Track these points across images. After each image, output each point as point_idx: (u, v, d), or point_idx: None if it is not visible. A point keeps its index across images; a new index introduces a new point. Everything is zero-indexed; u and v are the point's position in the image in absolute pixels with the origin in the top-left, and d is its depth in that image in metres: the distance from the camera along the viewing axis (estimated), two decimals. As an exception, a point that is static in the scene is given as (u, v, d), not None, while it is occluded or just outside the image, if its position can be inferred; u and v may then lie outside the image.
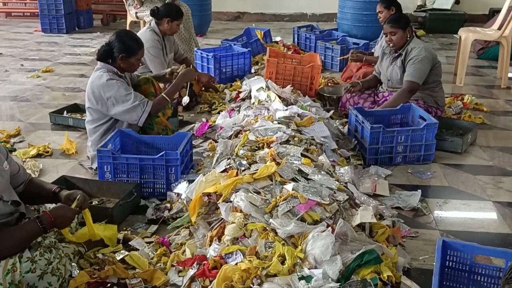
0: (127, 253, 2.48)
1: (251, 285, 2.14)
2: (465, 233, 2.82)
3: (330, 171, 3.09)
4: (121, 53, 3.39)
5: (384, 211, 2.97)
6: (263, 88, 4.39)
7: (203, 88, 5.18)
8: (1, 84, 5.89)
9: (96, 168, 3.33)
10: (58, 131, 4.34)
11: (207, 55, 5.59)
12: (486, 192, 3.32)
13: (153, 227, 2.86)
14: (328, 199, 2.60)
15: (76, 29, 9.36)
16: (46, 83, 5.93)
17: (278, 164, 2.83)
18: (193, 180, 2.97)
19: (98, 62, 3.46)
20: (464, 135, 4.00)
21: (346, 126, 4.18)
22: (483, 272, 2.16)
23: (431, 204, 3.16)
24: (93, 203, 2.99)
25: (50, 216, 2.25)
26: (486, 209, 3.13)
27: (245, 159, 3.01)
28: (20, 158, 3.71)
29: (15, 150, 3.88)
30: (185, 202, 2.95)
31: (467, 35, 5.82)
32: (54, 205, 2.49)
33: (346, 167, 3.28)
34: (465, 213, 3.09)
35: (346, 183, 3.05)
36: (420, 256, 2.62)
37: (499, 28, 5.84)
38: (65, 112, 4.56)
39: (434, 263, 2.06)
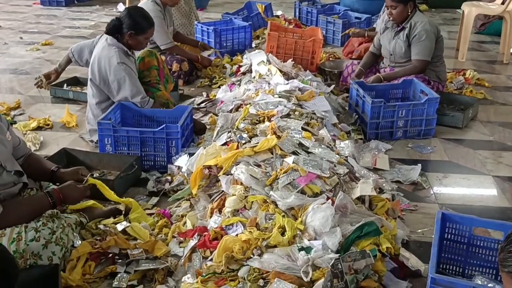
0: (128, 224, 2.50)
1: (251, 256, 2.16)
2: (464, 207, 2.83)
3: (330, 145, 3.09)
4: (130, 29, 3.37)
5: (384, 184, 2.98)
6: (264, 62, 4.37)
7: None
8: (1, 57, 5.86)
9: (97, 141, 3.34)
10: (58, 104, 4.34)
11: (208, 29, 5.54)
12: (486, 167, 3.33)
13: (154, 199, 2.88)
14: (328, 172, 2.60)
15: (75, 2, 9.27)
16: (45, 56, 5.89)
17: (278, 137, 2.84)
18: (193, 153, 2.98)
19: (109, 37, 3.43)
20: (465, 110, 3.99)
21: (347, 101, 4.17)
22: (481, 245, 2.17)
23: (431, 178, 3.17)
24: (94, 176, 3.00)
25: (59, 193, 2.28)
26: (485, 184, 3.14)
27: (246, 132, 3.01)
28: (21, 130, 3.72)
29: (15, 122, 3.88)
30: (185, 175, 2.96)
31: (470, 10, 5.76)
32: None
33: (347, 141, 3.29)
34: (465, 187, 3.11)
35: (346, 157, 3.06)
36: (419, 229, 2.64)
37: (503, 3, 5.77)
38: (65, 85, 4.54)
39: (433, 236, 2.08)
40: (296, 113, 3.35)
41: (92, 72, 3.42)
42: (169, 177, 3.07)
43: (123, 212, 2.63)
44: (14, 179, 2.29)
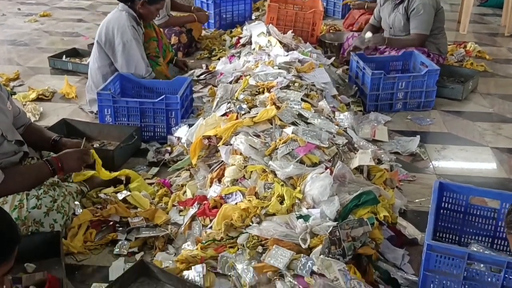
0: (129, 193, 2.52)
1: (250, 224, 2.19)
2: (462, 177, 2.85)
3: (330, 116, 3.10)
4: None
5: (382, 155, 2.99)
6: (264, 33, 4.34)
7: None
8: (-1, 28, 5.83)
9: (97, 112, 3.34)
10: (57, 75, 4.33)
11: (207, 0, 5.48)
12: (484, 138, 3.34)
13: (154, 170, 2.90)
14: (327, 142, 2.61)
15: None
16: (44, 27, 5.85)
17: (278, 108, 2.84)
18: (193, 124, 2.98)
19: (120, 4, 3.46)
20: (465, 82, 3.98)
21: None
22: (478, 213, 2.20)
23: (430, 149, 3.19)
24: (94, 146, 3.02)
25: (58, 160, 2.29)
26: (484, 155, 3.16)
27: (245, 103, 3.01)
28: (20, 101, 3.72)
29: (15, 93, 3.87)
30: (185, 145, 2.97)
31: (473, -19, 5.70)
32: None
33: (346, 113, 3.29)
34: (463, 158, 3.13)
35: (345, 128, 3.07)
36: (416, 199, 2.67)
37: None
38: (64, 56, 4.52)
39: (430, 205, 2.10)
40: (296, 84, 3.34)
41: (99, 34, 3.46)
42: (168, 148, 3.08)
43: (124, 182, 2.65)
44: (15, 148, 2.30)
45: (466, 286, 1.86)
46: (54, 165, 2.27)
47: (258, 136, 2.66)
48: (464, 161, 3.09)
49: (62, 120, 3.17)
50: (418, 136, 3.24)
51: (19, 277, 1.94)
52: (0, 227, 1.34)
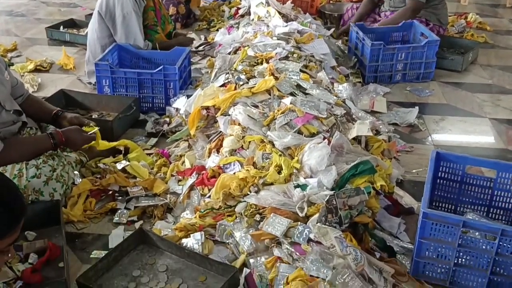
0: (127, 163, 2.53)
1: (248, 193, 2.20)
2: (460, 148, 2.86)
3: (328, 87, 3.09)
4: None
5: (380, 126, 3.00)
6: (263, 4, 4.29)
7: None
8: (-5, -1, 5.76)
9: (95, 83, 3.34)
10: (55, 46, 4.30)
11: (206, -30, 5.41)
12: (483, 110, 3.34)
13: (153, 140, 2.91)
14: (325, 113, 2.61)
15: None
16: (40, -2, 5.80)
17: (276, 78, 2.83)
18: (191, 95, 2.98)
19: None
20: (465, 53, 3.96)
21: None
22: (474, 183, 2.22)
23: (428, 120, 3.19)
24: (93, 117, 3.02)
25: (62, 136, 2.29)
26: (482, 126, 3.16)
27: (244, 73, 3.00)
28: (18, 72, 3.70)
29: (12, 64, 3.86)
30: (183, 116, 2.97)
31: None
32: None
33: (345, 84, 3.29)
34: (461, 129, 3.13)
35: (344, 99, 3.06)
36: (414, 169, 2.68)
37: None
38: (61, 27, 4.48)
39: (427, 174, 2.11)
40: (295, 55, 3.32)
41: (100, 4, 3.45)
42: (167, 119, 3.08)
43: (123, 152, 2.66)
44: (13, 118, 2.31)
45: (461, 254, 1.89)
46: (56, 140, 2.27)
47: (256, 106, 2.66)
48: (462, 132, 3.10)
49: (60, 91, 3.16)
50: (417, 107, 3.23)
51: (19, 244, 1.97)
52: (7, 198, 1.35)
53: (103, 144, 2.55)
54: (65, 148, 2.48)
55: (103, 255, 1.97)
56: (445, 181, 2.25)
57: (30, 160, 2.20)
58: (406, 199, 2.37)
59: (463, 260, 1.90)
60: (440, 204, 2.29)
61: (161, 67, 3.14)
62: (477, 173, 2.28)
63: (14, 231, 1.35)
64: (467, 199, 2.25)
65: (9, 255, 1.40)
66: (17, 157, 2.16)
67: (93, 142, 2.51)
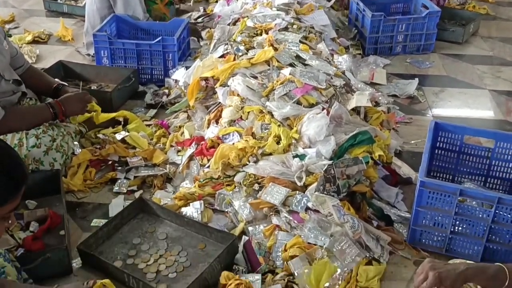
0: (127, 133, 2.54)
1: (247, 163, 2.21)
2: (459, 119, 2.86)
3: (328, 59, 3.07)
4: None
5: (380, 98, 3.00)
6: (262, -26, 4.23)
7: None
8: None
9: (93, 54, 3.32)
10: (53, 18, 4.27)
11: None
12: (483, 81, 3.33)
13: (152, 112, 2.91)
14: (324, 84, 2.60)
15: None
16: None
17: (275, 49, 2.81)
18: (190, 67, 2.96)
19: None
20: (466, 25, 3.93)
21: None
22: (472, 153, 2.23)
23: (427, 92, 3.18)
24: (92, 88, 3.01)
25: (60, 104, 2.29)
26: (482, 97, 3.16)
27: (243, 44, 2.98)
28: (16, 43, 3.67)
29: (10, 36, 3.82)
30: (182, 88, 2.96)
31: None
32: None
33: (345, 56, 3.27)
34: (461, 101, 3.13)
35: (343, 71, 3.05)
36: (412, 140, 2.69)
37: None
38: (58, -2, 4.44)
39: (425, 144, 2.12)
40: (294, 26, 3.29)
41: None
42: (166, 90, 3.08)
43: (122, 123, 2.67)
44: (13, 88, 2.31)
45: (457, 222, 1.91)
46: (56, 109, 2.28)
47: (255, 77, 2.65)
48: (462, 104, 3.10)
49: (59, 62, 3.14)
50: (417, 79, 3.23)
51: (20, 213, 1.99)
52: (8, 166, 1.36)
53: (102, 116, 2.55)
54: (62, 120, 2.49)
55: (103, 223, 1.99)
56: (443, 151, 2.26)
57: (29, 129, 2.20)
58: (404, 169, 2.38)
59: (460, 228, 1.92)
60: (438, 175, 2.30)
61: (159, 38, 3.11)
62: (475, 143, 2.28)
63: (15, 198, 1.36)
64: (464, 169, 2.26)
65: (10, 222, 1.42)
66: (16, 126, 2.16)
67: (93, 113, 2.52)
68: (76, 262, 1.87)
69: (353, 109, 2.58)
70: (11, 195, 1.35)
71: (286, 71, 2.62)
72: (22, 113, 2.23)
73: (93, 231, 1.95)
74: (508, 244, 1.86)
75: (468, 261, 1.57)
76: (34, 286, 1.62)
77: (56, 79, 2.63)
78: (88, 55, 3.55)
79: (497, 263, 1.39)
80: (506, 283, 1.36)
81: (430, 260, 1.41)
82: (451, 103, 3.09)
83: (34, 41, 3.77)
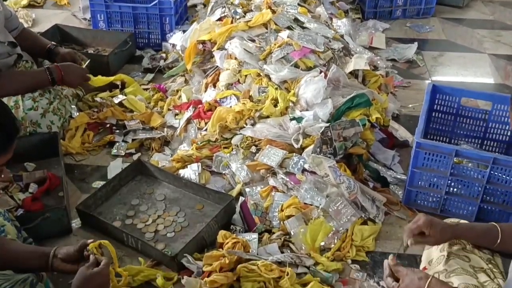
0: (124, 97, 2.53)
1: (244, 125, 2.22)
2: (457, 83, 2.86)
3: (327, 22, 3.04)
4: None
5: (378, 62, 2.98)
6: None
7: None
8: None
9: (90, 18, 3.28)
10: (48, -19, 4.20)
11: None
12: (483, 45, 3.31)
13: (150, 76, 2.90)
14: (322, 47, 2.58)
15: None
16: None
17: (273, 12, 2.78)
18: (187, 30, 2.94)
19: None
20: (468, -12, 3.89)
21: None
22: (469, 115, 2.23)
23: (426, 56, 3.17)
24: (89, 52, 2.99)
25: (60, 70, 2.25)
26: (481, 61, 3.14)
27: (240, 7, 2.94)
28: (12, 7, 3.63)
29: (5, 0, 3.77)
30: (180, 52, 2.95)
31: None
32: None
33: (344, 20, 3.24)
34: (460, 64, 3.12)
35: (342, 35, 3.02)
36: (410, 104, 2.69)
37: None
38: (54, -38, 4.35)
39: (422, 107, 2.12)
40: (293, -11, 3.25)
41: None
42: (163, 54, 3.06)
43: (119, 87, 2.66)
44: (8, 50, 2.29)
45: (453, 183, 1.93)
46: (54, 75, 2.24)
47: (253, 40, 2.63)
48: (461, 68, 3.08)
49: (55, 26, 3.11)
50: (416, 43, 3.21)
51: (19, 175, 2.00)
52: (0, 119, 1.36)
53: (100, 80, 2.54)
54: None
55: (102, 185, 2.01)
56: (440, 114, 2.27)
57: (25, 93, 2.19)
58: (401, 132, 2.39)
59: (455, 189, 1.94)
60: (435, 137, 2.31)
61: (156, 1, 3.08)
62: (472, 105, 2.28)
63: (7, 151, 1.36)
64: (461, 132, 2.27)
65: (2, 176, 1.43)
66: (13, 90, 2.15)
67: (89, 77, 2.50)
68: (76, 223, 1.90)
69: (351, 73, 2.57)
70: (4, 147, 1.36)
71: (284, 34, 2.60)
72: (19, 76, 2.22)
73: (92, 193, 1.97)
74: (502, 204, 1.89)
75: (462, 221, 1.59)
76: (33, 246, 1.63)
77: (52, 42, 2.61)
78: (85, 19, 3.52)
79: (491, 222, 1.42)
80: (498, 241, 1.39)
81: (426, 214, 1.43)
82: (450, 67, 3.08)
83: (30, 5, 3.73)
